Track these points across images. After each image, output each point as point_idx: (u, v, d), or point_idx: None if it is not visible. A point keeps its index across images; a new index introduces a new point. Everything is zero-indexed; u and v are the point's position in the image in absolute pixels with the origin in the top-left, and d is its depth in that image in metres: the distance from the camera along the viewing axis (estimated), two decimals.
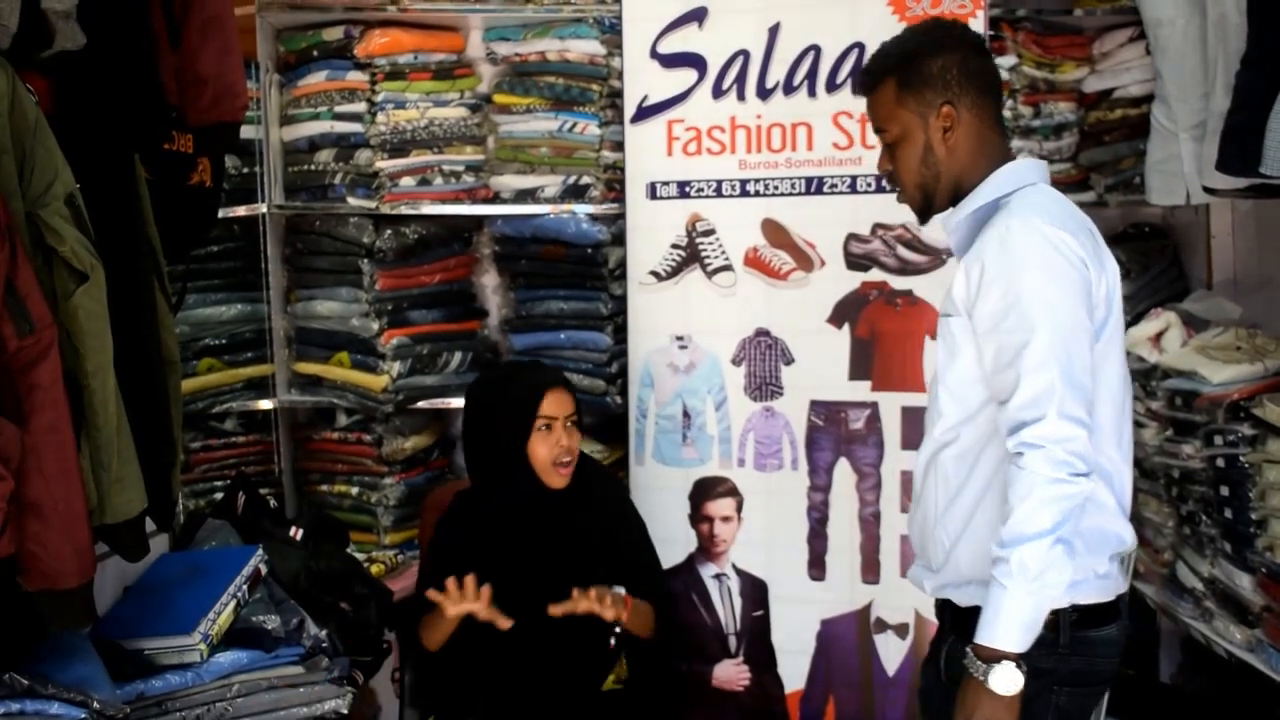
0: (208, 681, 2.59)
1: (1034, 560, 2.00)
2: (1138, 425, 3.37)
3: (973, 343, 2.18)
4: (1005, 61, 3.72)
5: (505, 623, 2.76)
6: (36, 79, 2.14)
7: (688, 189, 3.60)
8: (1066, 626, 2.16)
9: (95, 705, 2.11)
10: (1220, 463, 2.94)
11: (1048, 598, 2.04)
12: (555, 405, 2.92)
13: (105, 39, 2.28)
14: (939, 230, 3.33)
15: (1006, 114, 3.72)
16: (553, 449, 2.90)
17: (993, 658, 2.04)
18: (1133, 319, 3.58)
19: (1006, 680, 2.03)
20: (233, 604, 2.73)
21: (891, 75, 2.30)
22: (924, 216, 2.39)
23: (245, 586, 2.81)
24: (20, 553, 1.92)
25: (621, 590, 2.89)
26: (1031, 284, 2.08)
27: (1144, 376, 3.34)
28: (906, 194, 2.36)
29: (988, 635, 2.04)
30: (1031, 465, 2.02)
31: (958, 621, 2.24)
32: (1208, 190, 3.28)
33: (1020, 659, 2.04)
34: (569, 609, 2.76)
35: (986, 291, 2.12)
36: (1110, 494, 2.21)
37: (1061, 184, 3.84)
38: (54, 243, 2.01)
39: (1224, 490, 2.93)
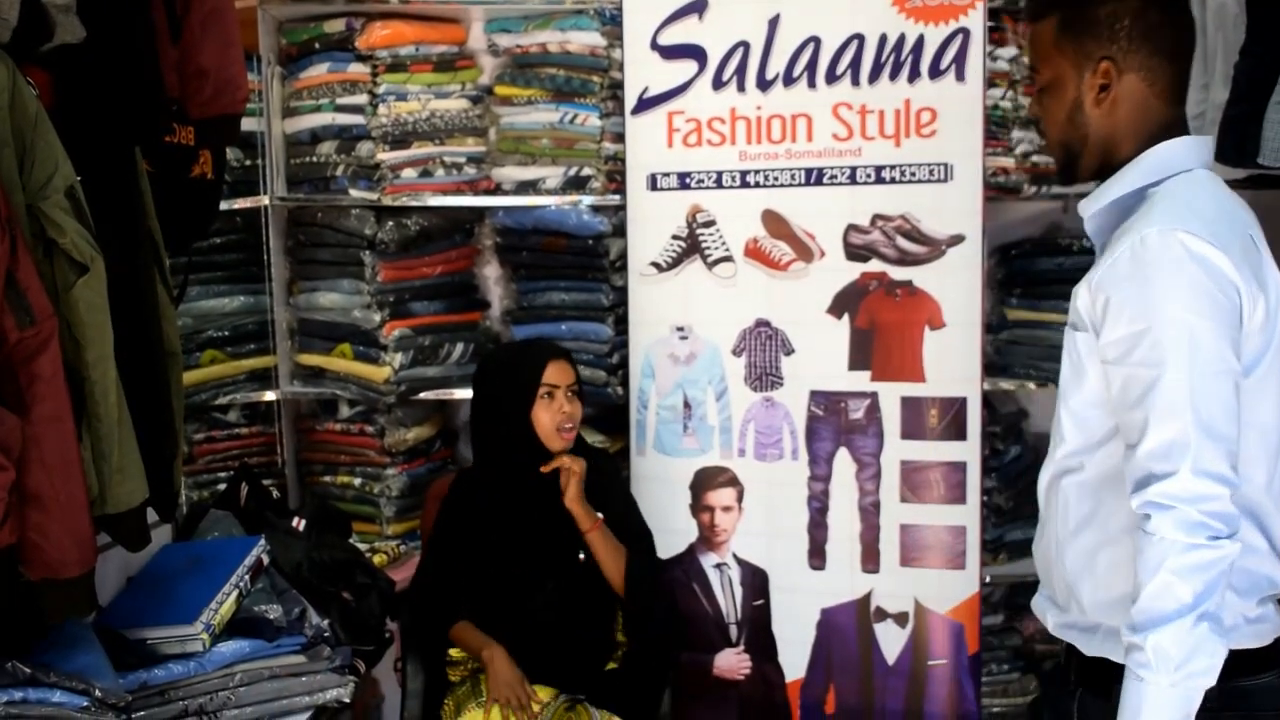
0: (210, 671, 2.60)
1: (1175, 646, 1.74)
2: None
3: (1099, 364, 1.93)
4: (1006, 52, 3.73)
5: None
6: (37, 72, 2.15)
7: (688, 180, 3.61)
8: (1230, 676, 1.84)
9: (97, 694, 2.13)
10: None
11: (1197, 687, 1.77)
12: (557, 374, 3.10)
13: (106, 32, 2.30)
14: (939, 221, 3.39)
15: (1006, 104, 3.74)
16: (555, 415, 3.08)
17: None
18: None
19: None
20: (235, 594, 2.75)
21: (1055, 10, 2.02)
22: (1065, 178, 2.13)
23: (247, 576, 2.83)
24: (22, 542, 1.93)
25: (600, 516, 3.09)
26: (1167, 312, 1.80)
27: None
28: (1050, 147, 2.12)
29: None
30: (1161, 530, 1.77)
31: (1085, 672, 2.02)
32: None
33: None
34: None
35: (1116, 315, 1.86)
36: (1260, 535, 1.94)
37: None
38: (54, 235, 2.02)
39: None
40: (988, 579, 3.83)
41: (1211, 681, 1.77)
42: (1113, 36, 1.95)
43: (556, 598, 3.05)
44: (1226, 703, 1.87)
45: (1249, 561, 1.91)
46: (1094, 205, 2.05)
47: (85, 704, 2.10)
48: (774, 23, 3.50)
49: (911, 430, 3.44)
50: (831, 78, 3.47)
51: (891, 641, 3.50)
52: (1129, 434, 1.85)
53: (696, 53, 3.57)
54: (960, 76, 3.39)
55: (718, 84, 3.56)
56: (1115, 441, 1.94)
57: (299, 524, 3.35)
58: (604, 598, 3.10)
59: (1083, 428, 1.98)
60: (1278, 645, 1.96)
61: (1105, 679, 1.93)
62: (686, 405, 3.65)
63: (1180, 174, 1.95)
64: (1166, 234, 1.82)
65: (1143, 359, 1.81)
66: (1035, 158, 3.82)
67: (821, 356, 3.51)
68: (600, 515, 3.12)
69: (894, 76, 3.42)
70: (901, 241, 3.44)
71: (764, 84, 3.52)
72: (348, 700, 2.77)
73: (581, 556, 3.09)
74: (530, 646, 3.02)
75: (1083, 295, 1.95)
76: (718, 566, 3.63)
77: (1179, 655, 1.74)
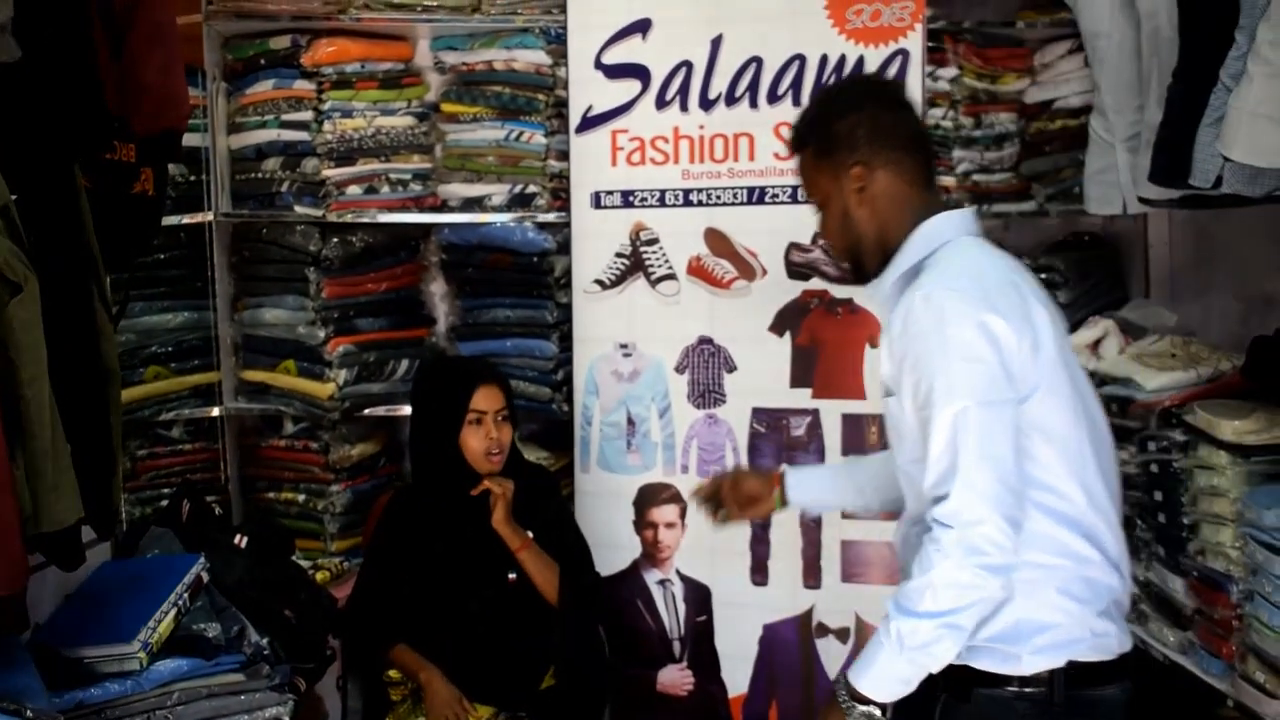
0: (148, 689, 2.58)
1: (916, 636, 1.99)
2: None
3: (911, 418, 2.10)
4: (946, 73, 3.77)
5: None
6: None
7: (631, 198, 3.63)
8: (1061, 685, 2.08)
9: (29, 714, 2.11)
10: (1154, 468, 2.98)
11: (925, 667, 2.04)
12: (486, 400, 3.09)
13: (43, 50, 2.28)
14: None
15: (948, 124, 3.78)
16: (483, 441, 3.08)
17: (859, 699, 2.07)
18: (1072, 326, 3.63)
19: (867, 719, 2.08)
20: (173, 612, 2.73)
21: (807, 140, 2.28)
22: (859, 279, 2.30)
23: (186, 594, 2.81)
24: None
25: (530, 535, 3.10)
26: (945, 360, 2.01)
27: None
28: (839, 257, 2.34)
29: (860, 679, 2.07)
30: (944, 543, 1.97)
31: (948, 680, 2.14)
32: (1143, 201, 3.32)
33: (884, 706, 2.07)
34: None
35: (909, 370, 2.07)
36: (1091, 547, 2.10)
37: (1003, 193, 3.90)
38: None
39: (1157, 495, 2.98)
40: None
41: (936, 668, 2.04)
42: (854, 144, 2.20)
43: (489, 615, 3.06)
44: (1071, 710, 2.08)
45: (1088, 571, 2.10)
46: (880, 289, 2.23)
47: None
48: (716, 43, 3.53)
49: (853, 447, 3.47)
50: (773, 98, 3.50)
51: (833, 657, 3.53)
52: (926, 465, 2.03)
53: (640, 72, 3.60)
54: None
55: (661, 103, 3.58)
56: None
57: (241, 541, 3.33)
58: (537, 615, 3.11)
59: (914, 486, 2.14)
60: (1122, 660, 2.14)
61: (966, 685, 2.11)
62: (630, 422, 3.66)
63: (945, 245, 2.16)
64: (931, 296, 2.04)
65: (927, 401, 2.01)
66: (976, 176, 3.86)
67: (763, 374, 3.54)
68: (530, 534, 3.13)
69: None
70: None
71: (707, 103, 3.55)
72: (287, 718, 2.75)
73: (512, 576, 3.10)
74: (465, 664, 3.03)
75: (885, 363, 2.18)
76: (661, 583, 3.65)
77: (914, 644, 1.99)
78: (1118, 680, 2.13)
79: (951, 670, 2.10)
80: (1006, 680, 2.09)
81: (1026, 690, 2.09)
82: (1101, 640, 2.11)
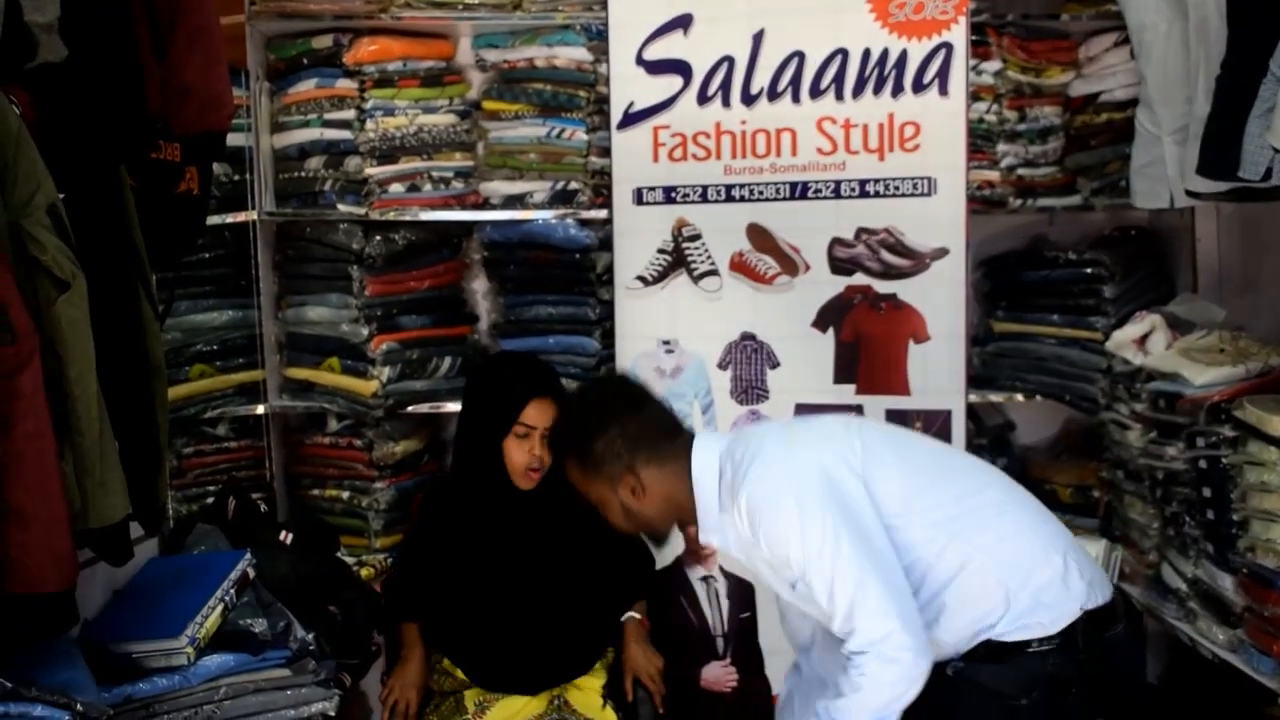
0: (195, 684, 2.60)
1: None
2: (1122, 427, 3.39)
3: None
4: (990, 66, 3.73)
5: None
6: (19, 91, 2.15)
7: (674, 194, 3.62)
8: (1081, 634, 2.35)
9: (79, 708, 2.12)
10: (1202, 464, 2.95)
11: None
12: (537, 415, 3.00)
13: (88, 50, 2.30)
14: (923, 234, 3.41)
15: (991, 118, 3.75)
16: (525, 456, 3.01)
17: None
18: (1118, 322, 3.60)
19: None
20: (220, 608, 2.75)
21: (572, 456, 2.58)
22: (659, 544, 2.76)
23: (233, 590, 2.83)
24: (2, 558, 1.93)
25: (635, 615, 3.19)
26: (785, 536, 2.31)
27: (1129, 379, 3.36)
28: (633, 534, 2.67)
29: None
30: (865, 667, 2.24)
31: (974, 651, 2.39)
32: (1190, 194, 3.29)
33: None
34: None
35: (775, 552, 2.35)
36: (989, 559, 2.36)
37: (1048, 188, 3.87)
38: (35, 252, 2.02)
39: (1206, 491, 2.95)
40: None
41: None
42: (618, 456, 2.50)
43: (515, 612, 3.05)
44: (1093, 654, 2.37)
45: (1038, 581, 2.36)
46: (719, 531, 2.51)
47: (66, 718, 2.10)
48: (758, 38, 3.52)
49: None
50: (816, 92, 3.49)
51: None
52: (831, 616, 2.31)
53: (682, 68, 3.59)
54: (944, 91, 3.42)
55: (703, 99, 3.58)
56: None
57: (286, 537, 3.35)
58: (566, 615, 3.10)
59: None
60: (1112, 606, 2.42)
61: (996, 653, 2.35)
62: None
63: (722, 458, 2.47)
64: (754, 491, 2.35)
65: (799, 569, 2.33)
66: (1021, 171, 3.83)
67: (807, 370, 3.53)
68: (637, 616, 3.22)
69: (877, 91, 3.44)
70: (886, 255, 3.45)
71: (749, 99, 3.54)
72: (333, 714, 2.77)
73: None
74: (488, 655, 3.05)
75: (762, 563, 2.46)
76: (704, 579, 3.64)
77: None
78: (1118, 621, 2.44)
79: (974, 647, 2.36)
80: (1028, 644, 2.34)
81: (1052, 646, 2.34)
82: (1050, 611, 2.36)
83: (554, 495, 3.03)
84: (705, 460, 2.49)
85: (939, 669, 2.34)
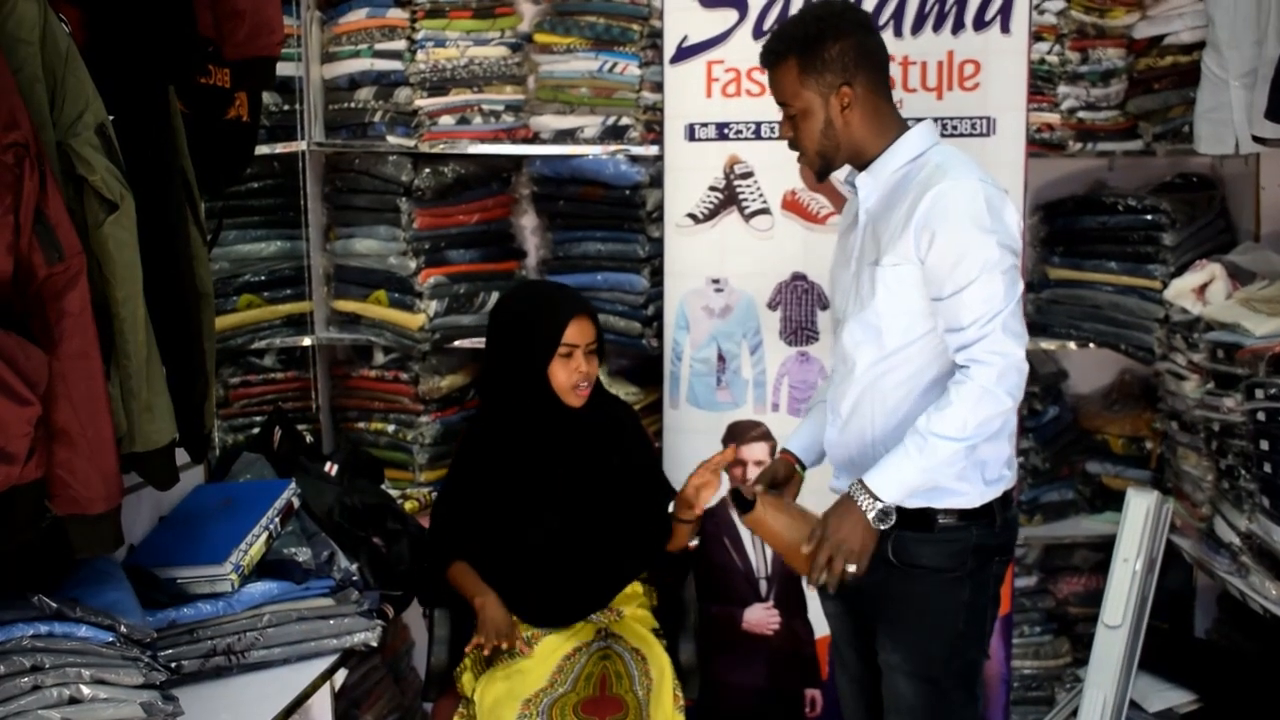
0: (238, 611, 2.63)
1: (937, 455, 2.38)
2: (1178, 378, 3.34)
3: (916, 285, 2.46)
4: (1053, 6, 3.65)
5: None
6: (69, 9, 2.14)
7: (726, 131, 3.57)
8: (999, 510, 2.57)
9: (123, 629, 2.14)
10: (1261, 416, 2.91)
11: (932, 481, 2.44)
12: (578, 333, 3.04)
13: None
14: None
15: (1053, 59, 3.68)
16: (572, 375, 3.04)
17: (878, 503, 2.44)
18: (1177, 270, 3.54)
19: (886, 520, 2.45)
20: (264, 535, 2.76)
21: (793, 56, 2.53)
22: (821, 176, 2.69)
23: (277, 519, 2.84)
24: (48, 478, 1.94)
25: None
26: (976, 238, 2.38)
27: (1187, 328, 3.31)
28: (807, 158, 2.63)
29: (874, 478, 2.44)
30: (978, 377, 2.36)
31: (901, 519, 2.49)
32: (1257, 140, 3.23)
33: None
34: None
35: (942, 244, 2.40)
36: None
37: (1109, 131, 3.79)
38: (84, 172, 2.01)
39: (1264, 445, 2.90)
40: (1022, 540, 3.80)
41: (935, 484, 2.46)
42: (845, 67, 2.50)
43: (557, 542, 3.06)
44: (1005, 528, 2.62)
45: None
46: (879, 179, 2.57)
47: (111, 639, 2.11)
48: None
49: None
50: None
51: None
52: (954, 321, 2.41)
53: (738, 1, 3.53)
54: (1005, 28, 3.34)
55: (758, 33, 3.51)
56: (923, 341, 2.49)
57: (331, 469, 3.36)
58: (607, 545, 3.11)
59: (902, 333, 2.51)
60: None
61: (926, 522, 2.52)
62: (720, 358, 3.63)
63: (932, 148, 2.54)
64: (959, 183, 2.41)
65: (960, 268, 2.38)
66: (1081, 114, 3.75)
67: None
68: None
69: (937, 27, 3.37)
70: None
71: None
72: (375, 644, 2.78)
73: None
74: (531, 589, 3.04)
75: (898, 237, 2.45)
76: None
77: (934, 461, 2.39)
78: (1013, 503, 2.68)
79: (909, 514, 2.50)
80: (958, 514, 2.53)
81: (975, 520, 2.54)
82: (1011, 471, 2.61)
83: (599, 413, 3.13)
84: (920, 132, 2.56)
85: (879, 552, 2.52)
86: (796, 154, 2.63)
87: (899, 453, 2.43)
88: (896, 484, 2.43)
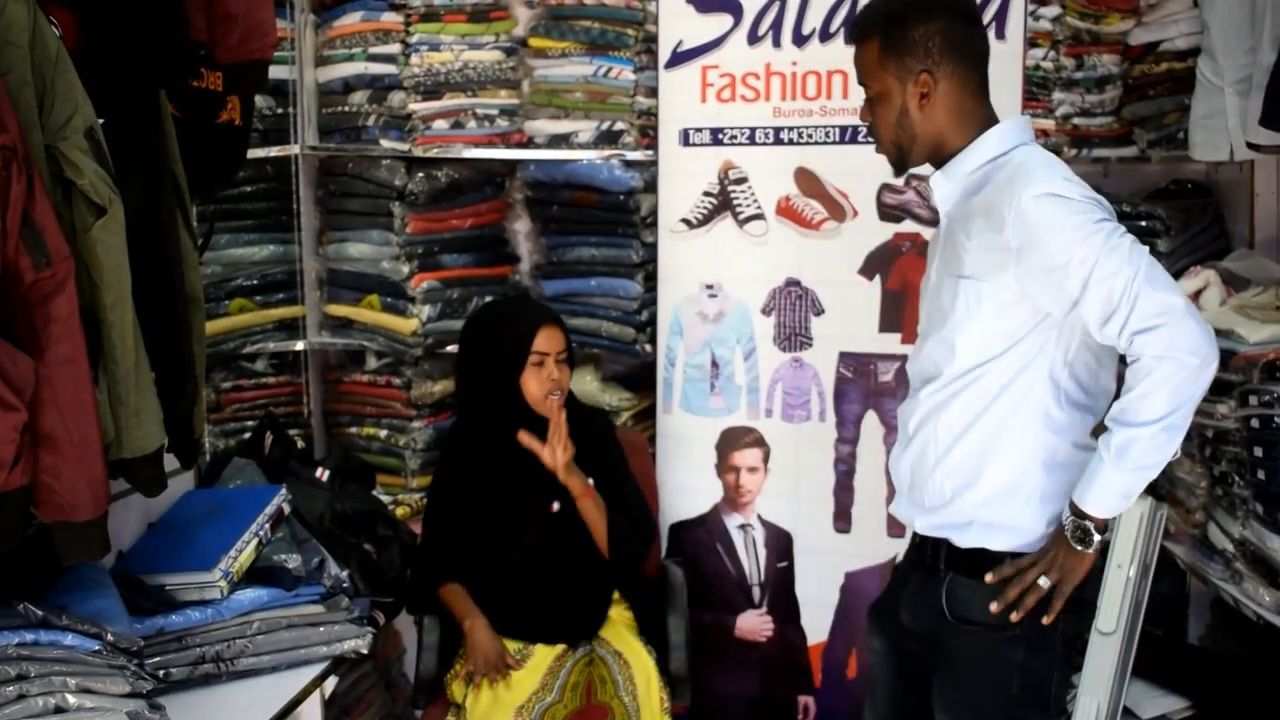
0: (228, 618, 2.61)
1: (1136, 446, 2.14)
2: None
3: (997, 301, 2.25)
4: (1048, 12, 3.64)
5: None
6: (60, 12, 2.12)
7: (721, 136, 3.57)
8: None
9: (109, 638, 2.12)
10: (1254, 423, 2.89)
11: (1146, 475, 2.19)
12: (547, 341, 3.08)
13: None
14: None
15: (1048, 65, 3.66)
16: (544, 384, 3.07)
17: (1087, 520, 2.21)
18: (1172, 276, 3.53)
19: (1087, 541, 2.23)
20: (254, 542, 2.75)
21: (876, 35, 2.35)
22: (898, 170, 2.46)
23: (268, 525, 2.83)
24: (34, 484, 1.92)
25: (590, 482, 3.08)
26: (1095, 244, 2.15)
27: None
28: (882, 147, 2.43)
29: (1084, 499, 2.20)
30: (1148, 347, 2.11)
31: (955, 560, 2.35)
32: (1252, 146, 3.21)
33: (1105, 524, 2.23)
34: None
35: (1035, 263, 2.19)
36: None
37: (1104, 138, 3.78)
38: (73, 175, 2.00)
39: (1257, 451, 2.88)
40: None
41: (1156, 473, 2.20)
42: (927, 52, 2.30)
43: (543, 552, 3.07)
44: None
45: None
46: (953, 179, 2.37)
47: (97, 648, 2.10)
48: None
49: None
50: None
51: None
52: (1101, 313, 2.15)
53: (732, 6, 3.53)
54: (1000, 34, 3.34)
55: (753, 38, 3.51)
56: (1000, 361, 2.27)
57: (323, 474, 3.36)
58: (593, 552, 3.12)
59: (979, 352, 2.28)
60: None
61: (979, 565, 2.30)
62: (714, 364, 3.62)
63: (1018, 147, 2.32)
64: (1039, 196, 2.18)
65: (1084, 274, 2.15)
66: (1076, 120, 3.74)
67: (852, 318, 3.48)
68: (591, 481, 3.10)
69: None
70: None
71: (800, 39, 3.48)
72: (365, 651, 2.76)
73: (555, 506, 3.09)
74: (522, 603, 3.05)
75: (978, 251, 2.26)
76: (742, 527, 3.61)
77: (1136, 454, 2.14)
78: None
79: (960, 553, 2.33)
80: (1013, 557, 2.29)
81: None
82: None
83: (574, 423, 3.09)
84: (1005, 130, 2.35)
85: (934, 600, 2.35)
86: (874, 144, 2.45)
87: (1096, 460, 2.20)
88: (1103, 497, 2.20)
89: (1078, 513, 2.22)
